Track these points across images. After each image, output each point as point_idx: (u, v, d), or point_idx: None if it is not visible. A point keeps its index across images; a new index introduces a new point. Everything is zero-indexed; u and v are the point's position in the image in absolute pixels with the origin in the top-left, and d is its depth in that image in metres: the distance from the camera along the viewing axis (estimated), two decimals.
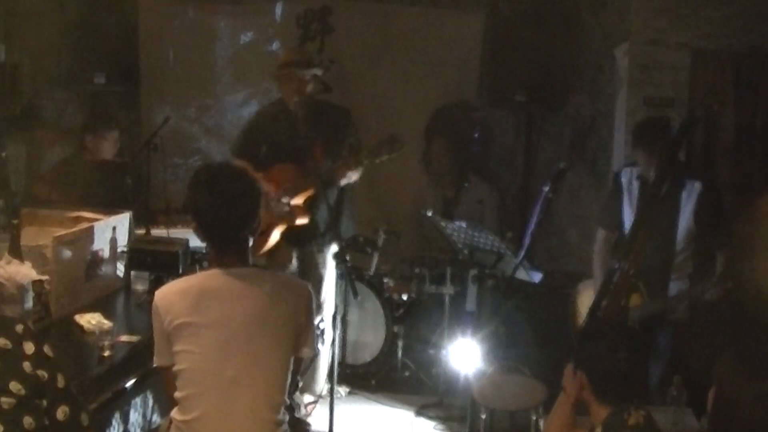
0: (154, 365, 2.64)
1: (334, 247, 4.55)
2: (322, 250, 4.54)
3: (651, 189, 3.88)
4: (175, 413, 2.57)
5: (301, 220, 4.36)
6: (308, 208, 4.37)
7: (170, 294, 2.57)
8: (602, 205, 4.43)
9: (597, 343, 2.62)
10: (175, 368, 2.54)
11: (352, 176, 4.32)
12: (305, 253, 4.55)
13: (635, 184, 4.08)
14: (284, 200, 4.33)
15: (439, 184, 5.51)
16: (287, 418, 2.68)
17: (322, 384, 4.69)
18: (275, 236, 4.39)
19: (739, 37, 4.92)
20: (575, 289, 4.53)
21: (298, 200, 4.34)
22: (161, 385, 2.73)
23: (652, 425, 2.47)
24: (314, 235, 4.47)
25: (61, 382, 2.15)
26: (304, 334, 2.67)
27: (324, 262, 4.54)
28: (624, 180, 4.13)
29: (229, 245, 2.62)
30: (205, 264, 3.68)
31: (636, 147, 4.03)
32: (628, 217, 4.10)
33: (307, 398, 4.63)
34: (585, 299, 4.35)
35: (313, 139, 4.23)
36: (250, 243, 2.67)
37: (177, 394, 2.55)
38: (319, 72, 4.48)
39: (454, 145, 5.46)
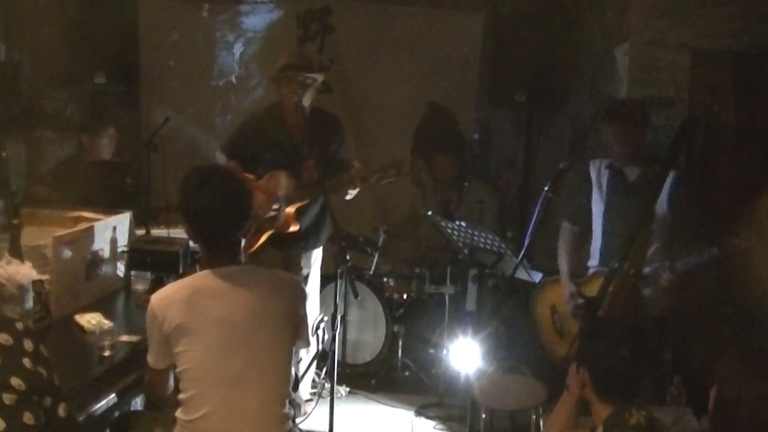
0: (149, 364, 2.65)
1: (317, 250, 4.61)
2: (306, 252, 4.58)
3: (652, 187, 3.85)
4: (179, 414, 2.58)
5: (292, 228, 4.37)
6: (298, 216, 4.39)
7: (167, 298, 2.58)
8: (568, 197, 4.27)
9: (599, 342, 2.62)
10: (177, 369, 2.56)
11: (353, 193, 4.32)
12: (289, 255, 4.57)
13: (604, 174, 3.99)
14: (276, 207, 4.33)
15: (439, 188, 5.50)
16: (293, 412, 2.69)
17: (308, 386, 4.71)
18: (263, 239, 4.39)
19: (739, 37, 4.92)
20: (534, 291, 4.34)
21: (290, 209, 4.35)
22: (150, 385, 2.75)
23: (654, 425, 2.47)
24: (297, 239, 4.48)
25: (56, 380, 2.17)
26: (300, 326, 2.70)
27: (308, 263, 4.60)
28: (593, 171, 4.04)
29: (222, 247, 2.63)
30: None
31: (609, 121, 3.87)
32: (598, 209, 4.02)
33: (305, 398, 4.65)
34: (545, 299, 4.25)
35: (305, 151, 4.25)
36: (242, 243, 2.69)
37: (181, 395, 2.56)
38: (320, 78, 4.44)
39: (451, 154, 5.44)
